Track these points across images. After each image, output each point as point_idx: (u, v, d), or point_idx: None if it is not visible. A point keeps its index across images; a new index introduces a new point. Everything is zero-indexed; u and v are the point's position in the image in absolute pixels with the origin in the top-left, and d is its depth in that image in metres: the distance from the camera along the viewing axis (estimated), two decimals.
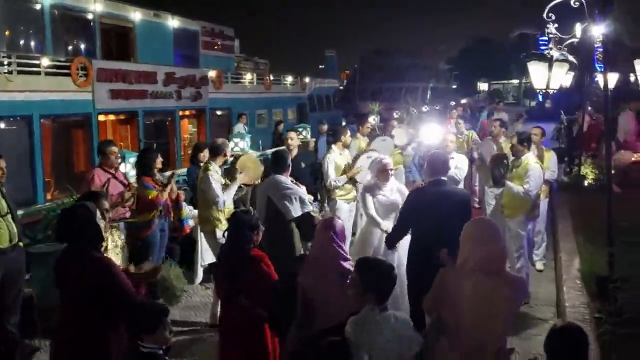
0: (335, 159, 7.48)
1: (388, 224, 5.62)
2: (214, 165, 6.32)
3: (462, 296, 3.22)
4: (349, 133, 8.05)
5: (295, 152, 7.74)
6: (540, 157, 7.22)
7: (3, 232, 5.16)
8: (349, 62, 54.19)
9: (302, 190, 5.75)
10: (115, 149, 6.47)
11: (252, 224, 4.03)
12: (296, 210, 5.49)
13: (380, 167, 5.99)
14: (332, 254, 3.80)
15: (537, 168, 6.41)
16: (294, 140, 7.97)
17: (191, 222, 7.46)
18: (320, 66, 46.06)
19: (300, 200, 5.54)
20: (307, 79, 28.79)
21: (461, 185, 7.31)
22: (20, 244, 5.40)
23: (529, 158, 6.48)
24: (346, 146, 7.84)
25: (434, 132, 8.38)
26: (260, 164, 7.44)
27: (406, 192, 5.77)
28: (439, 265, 3.58)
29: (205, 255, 7.12)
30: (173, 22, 18.78)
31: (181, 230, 7.03)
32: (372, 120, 12.90)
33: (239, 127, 17.27)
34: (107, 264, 3.39)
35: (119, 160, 8.17)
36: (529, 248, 6.90)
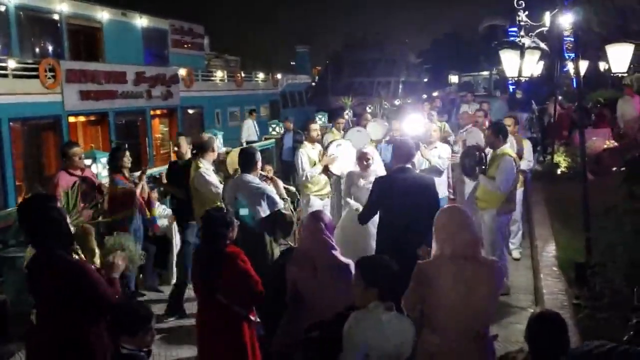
0: (308, 152, 7.43)
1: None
2: (204, 162, 6.13)
3: (444, 285, 3.22)
4: (317, 126, 7.96)
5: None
6: (520, 145, 7.27)
7: None
8: (320, 58, 54.10)
9: (270, 188, 5.64)
10: (78, 150, 6.22)
11: (226, 220, 3.98)
12: (265, 211, 5.39)
13: (360, 155, 6.03)
14: (322, 244, 3.82)
15: (509, 161, 6.23)
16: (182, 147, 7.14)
17: (165, 222, 7.37)
18: (292, 62, 45.90)
19: (268, 199, 5.43)
20: (279, 76, 28.69)
21: (444, 176, 7.38)
22: None
23: (505, 149, 6.36)
24: (317, 141, 7.79)
25: (417, 123, 8.37)
26: None
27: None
28: (412, 256, 3.60)
29: None
30: (142, 21, 18.47)
31: (152, 229, 6.94)
32: (346, 115, 12.85)
33: (249, 124, 17.31)
34: (80, 266, 3.28)
35: (90, 161, 8.04)
36: (505, 238, 6.89)
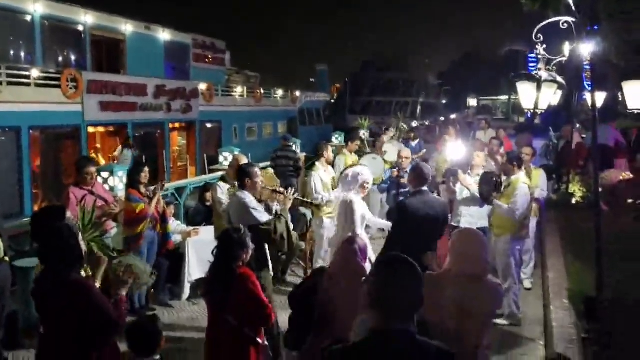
0: (321, 176, 7.46)
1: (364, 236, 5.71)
2: (221, 182, 6.40)
3: (447, 298, 3.40)
4: (330, 150, 8.05)
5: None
6: (528, 175, 7.27)
7: None
8: (339, 76, 54.42)
9: (255, 204, 5.44)
10: (92, 169, 6.38)
11: (241, 241, 4.00)
12: (263, 216, 5.21)
13: (363, 181, 6.10)
14: (353, 267, 3.85)
15: (524, 188, 6.44)
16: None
17: (178, 237, 7.41)
18: (311, 80, 46.20)
19: (249, 214, 5.31)
20: (297, 93, 28.87)
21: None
22: (6, 258, 5.33)
23: (519, 177, 6.52)
24: (330, 163, 7.83)
25: (459, 149, 8.32)
26: (274, 176, 7.59)
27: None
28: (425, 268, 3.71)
29: (193, 271, 7.09)
30: (164, 35, 18.80)
31: (165, 245, 6.96)
32: (362, 135, 12.90)
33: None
34: (85, 286, 3.27)
35: (108, 174, 8.15)
36: (518, 267, 6.90)
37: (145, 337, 3.29)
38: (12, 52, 14.06)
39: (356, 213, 5.84)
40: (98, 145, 16.24)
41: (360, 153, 10.37)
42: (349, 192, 6.10)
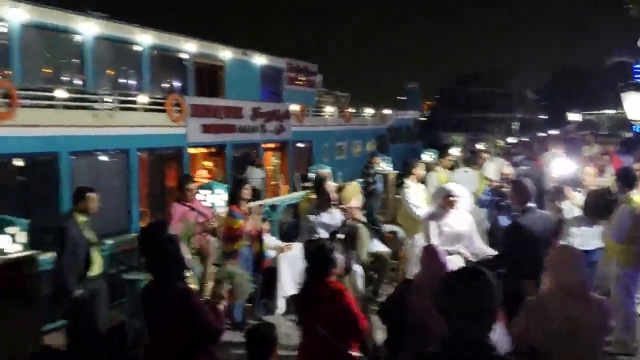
0: (412, 192, 7.39)
1: (454, 258, 5.53)
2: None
3: (550, 319, 3.31)
4: (421, 166, 7.94)
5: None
6: None
7: (95, 261, 5.50)
8: (430, 92, 53.79)
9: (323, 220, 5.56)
10: (192, 185, 6.77)
11: (328, 257, 4.04)
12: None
13: (444, 194, 5.93)
14: (438, 275, 3.84)
15: (624, 209, 5.94)
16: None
17: (272, 253, 7.58)
18: (401, 97, 46.03)
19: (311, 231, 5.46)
20: (386, 111, 28.84)
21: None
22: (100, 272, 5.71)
23: (630, 196, 6.03)
24: (420, 180, 7.73)
25: (565, 165, 7.99)
26: (359, 193, 7.62)
27: (472, 220, 5.92)
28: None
29: (286, 286, 7.21)
30: (260, 60, 19.59)
31: (260, 263, 7.12)
32: (458, 152, 12.60)
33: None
34: (189, 295, 3.46)
35: (209, 192, 8.55)
36: (632, 291, 6.37)
37: (262, 343, 3.42)
38: (123, 80, 15.24)
39: (431, 231, 5.75)
40: (206, 163, 17.09)
41: (454, 169, 10.15)
42: (436, 209, 6.06)
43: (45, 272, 5.39)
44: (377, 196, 11.39)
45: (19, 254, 5.00)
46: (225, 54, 17.94)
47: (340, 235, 6.25)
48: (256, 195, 15.71)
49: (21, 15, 11.59)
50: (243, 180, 7.16)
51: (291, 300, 6.99)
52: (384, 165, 12.73)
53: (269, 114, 18.41)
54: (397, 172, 13.31)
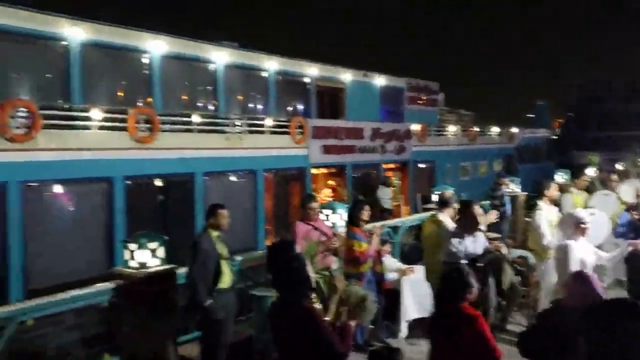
0: (547, 215, 6.94)
1: None
2: (443, 215, 6.55)
3: None
4: (554, 187, 7.43)
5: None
6: None
7: (226, 274, 5.74)
8: (559, 110, 50.67)
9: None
10: (315, 204, 6.81)
11: (463, 281, 3.91)
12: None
13: (575, 221, 5.56)
14: (591, 299, 3.60)
15: None
16: None
17: (394, 275, 7.46)
18: (529, 115, 43.85)
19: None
20: (514, 129, 27.57)
21: None
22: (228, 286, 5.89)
23: None
24: (554, 202, 7.24)
25: None
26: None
27: (602, 255, 5.59)
28: None
29: (409, 310, 7.06)
30: (380, 80, 19.70)
31: (381, 284, 7.04)
32: (594, 172, 11.70)
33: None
34: (314, 315, 3.48)
35: (330, 212, 8.66)
36: None
37: None
38: (251, 104, 16.08)
39: (571, 260, 5.31)
40: (330, 182, 17.50)
41: (591, 191, 9.42)
42: (566, 236, 5.62)
43: (181, 286, 5.73)
44: (506, 219, 10.84)
45: (159, 268, 5.32)
46: (346, 76, 18.28)
47: (480, 264, 6.01)
48: (386, 214, 15.84)
49: (161, 47, 12.70)
50: (362, 201, 7.15)
51: (417, 324, 6.83)
52: (512, 187, 12.10)
53: (389, 134, 18.40)
54: (527, 193, 12.61)
